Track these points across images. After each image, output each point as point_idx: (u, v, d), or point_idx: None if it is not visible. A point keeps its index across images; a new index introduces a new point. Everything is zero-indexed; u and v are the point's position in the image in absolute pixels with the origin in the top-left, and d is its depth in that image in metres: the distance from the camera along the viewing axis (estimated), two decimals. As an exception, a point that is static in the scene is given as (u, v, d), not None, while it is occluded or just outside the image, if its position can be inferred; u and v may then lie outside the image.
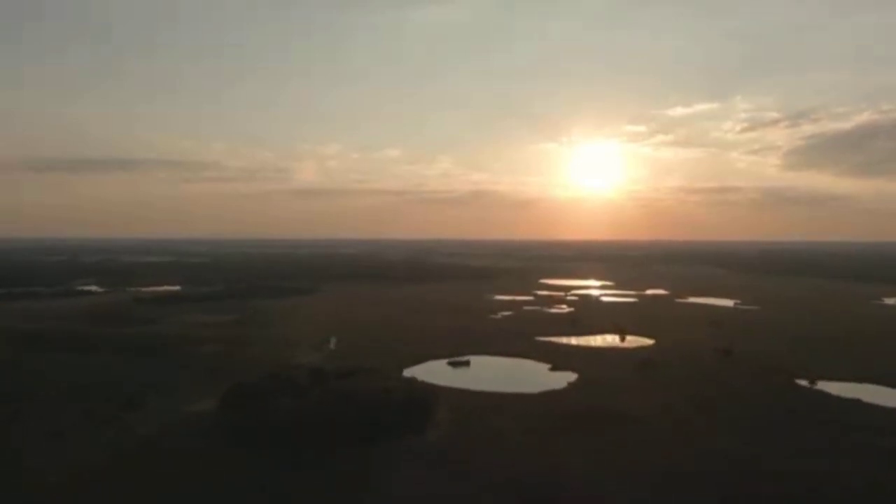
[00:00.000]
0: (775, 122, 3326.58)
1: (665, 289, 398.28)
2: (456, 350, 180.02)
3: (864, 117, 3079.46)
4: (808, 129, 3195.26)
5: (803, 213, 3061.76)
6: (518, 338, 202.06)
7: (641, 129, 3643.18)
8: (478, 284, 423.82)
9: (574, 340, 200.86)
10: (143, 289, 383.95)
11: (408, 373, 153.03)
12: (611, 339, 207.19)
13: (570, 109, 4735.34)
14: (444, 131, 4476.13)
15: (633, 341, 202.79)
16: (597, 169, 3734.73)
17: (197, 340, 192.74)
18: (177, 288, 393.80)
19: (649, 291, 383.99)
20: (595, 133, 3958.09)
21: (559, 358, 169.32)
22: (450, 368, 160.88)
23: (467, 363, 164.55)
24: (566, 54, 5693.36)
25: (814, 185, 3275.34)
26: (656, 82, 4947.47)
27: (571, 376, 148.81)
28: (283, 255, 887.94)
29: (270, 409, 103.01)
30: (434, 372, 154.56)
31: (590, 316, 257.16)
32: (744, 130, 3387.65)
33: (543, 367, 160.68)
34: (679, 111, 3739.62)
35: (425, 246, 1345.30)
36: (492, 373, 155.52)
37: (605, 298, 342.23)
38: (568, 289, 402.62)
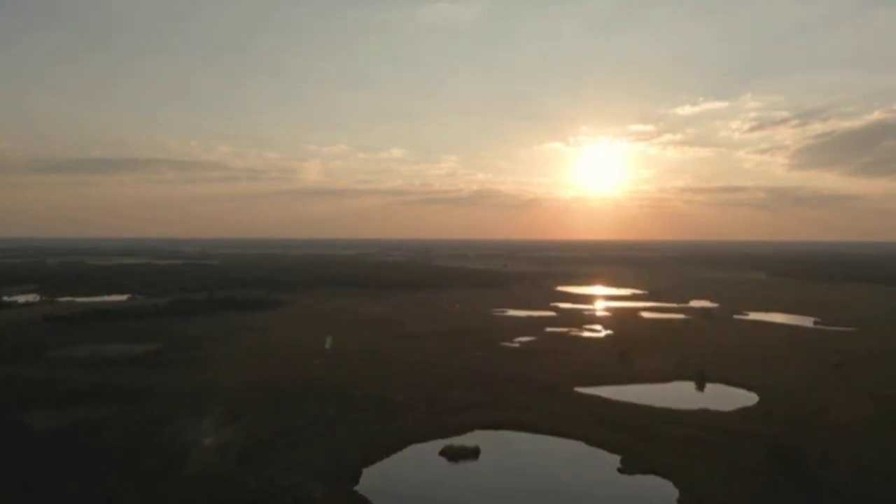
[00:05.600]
0: (784, 121, 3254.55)
1: (712, 300, 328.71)
2: (456, 417, 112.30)
3: (875, 116, 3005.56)
4: (817, 128, 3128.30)
5: (810, 214, 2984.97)
6: (549, 389, 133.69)
7: (649, 128, 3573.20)
8: (484, 294, 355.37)
9: (633, 394, 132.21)
10: (80, 299, 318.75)
11: (366, 483, 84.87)
12: (687, 390, 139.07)
13: (577, 109, 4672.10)
14: (449, 131, 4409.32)
15: (722, 393, 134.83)
16: (603, 169, 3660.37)
17: (55, 395, 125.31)
18: (122, 298, 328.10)
19: (694, 304, 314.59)
20: (602, 132, 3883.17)
21: (627, 437, 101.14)
22: (445, 466, 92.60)
23: (475, 453, 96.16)
24: (573, 53, 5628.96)
25: (821, 184, 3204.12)
26: (664, 81, 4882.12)
27: (666, 492, 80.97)
28: (275, 256, 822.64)
29: None
30: (416, 482, 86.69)
31: (639, 345, 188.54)
32: (752, 129, 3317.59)
33: (607, 463, 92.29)
34: (687, 110, 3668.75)
35: (429, 246, 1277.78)
36: (520, 483, 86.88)
37: (645, 314, 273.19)
38: (593, 300, 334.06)
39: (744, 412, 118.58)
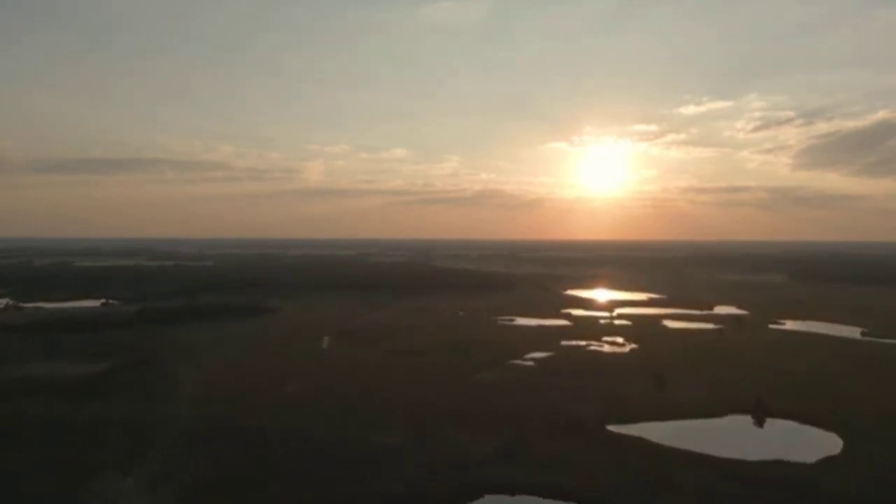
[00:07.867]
0: (789, 120, 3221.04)
1: (738, 306, 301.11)
2: (459, 474, 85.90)
3: (879, 116, 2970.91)
4: (822, 127, 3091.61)
5: (811, 214, 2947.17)
6: (576, 429, 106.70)
7: (653, 128, 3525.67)
8: (488, 298, 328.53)
9: (683, 435, 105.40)
10: (49, 305, 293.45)
11: None
12: (747, 429, 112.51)
13: (580, 109, 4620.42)
14: (450, 131, 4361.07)
15: (791, 434, 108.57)
16: (606, 169, 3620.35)
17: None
18: (96, 304, 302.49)
19: (720, 310, 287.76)
20: (605, 132, 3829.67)
21: (691, 510, 74.68)
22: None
23: (486, 538, 70.10)
24: (574, 53, 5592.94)
25: (824, 184, 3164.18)
26: (666, 81, 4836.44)
27: None
28: (273, 257, 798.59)
29: None
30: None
31: (673, 363, 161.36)
32: (756, 129, 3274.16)
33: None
34: (691, 109, 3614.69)
35: (430, 246, 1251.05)
36: None
37: (668, 323, 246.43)
38: (608, 306, 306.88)
39: (831, 465, 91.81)
